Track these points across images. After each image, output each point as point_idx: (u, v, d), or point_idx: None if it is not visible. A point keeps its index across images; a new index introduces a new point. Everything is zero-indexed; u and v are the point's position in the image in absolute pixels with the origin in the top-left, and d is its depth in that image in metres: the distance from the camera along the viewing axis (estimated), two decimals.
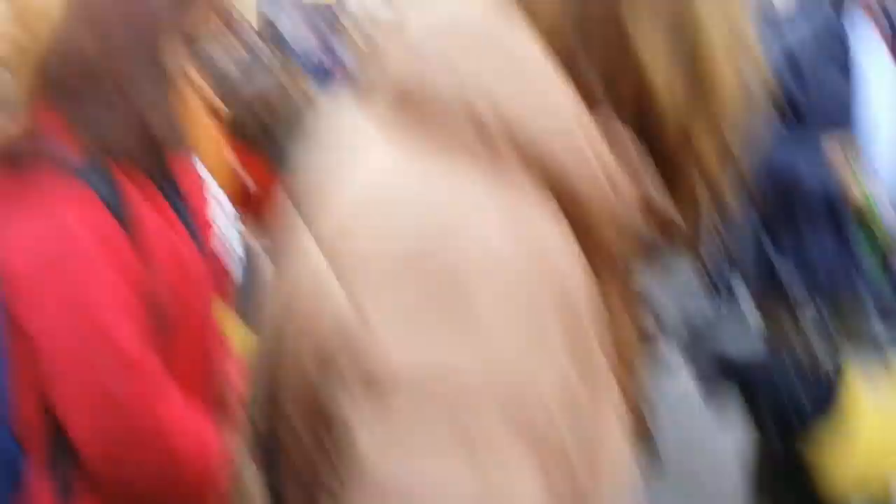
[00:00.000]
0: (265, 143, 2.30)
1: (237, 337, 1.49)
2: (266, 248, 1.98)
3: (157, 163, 1.22)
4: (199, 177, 1.42)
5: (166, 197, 1.24)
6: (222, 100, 2.15)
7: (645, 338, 0.70)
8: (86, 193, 1.12)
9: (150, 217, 1.18)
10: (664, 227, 0.63)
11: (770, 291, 2.27)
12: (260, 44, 4.16)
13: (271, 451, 0.62)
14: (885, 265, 2.19)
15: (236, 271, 1.82)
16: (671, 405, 2.89)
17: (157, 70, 1.20)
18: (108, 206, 1.13)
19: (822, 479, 2.11)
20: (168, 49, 1.21)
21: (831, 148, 2.15)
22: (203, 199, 1.38)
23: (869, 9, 2.21)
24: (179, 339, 1.21)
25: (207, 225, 1.37)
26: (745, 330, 2.31)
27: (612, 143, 0.59)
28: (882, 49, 2.22)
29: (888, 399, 2.09)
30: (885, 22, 2.22)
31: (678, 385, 2.60)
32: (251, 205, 2.16)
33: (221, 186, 1.90)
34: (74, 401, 1.12)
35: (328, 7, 8.02)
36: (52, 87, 1.15)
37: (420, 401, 0.50)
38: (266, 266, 1.87)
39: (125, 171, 1.17)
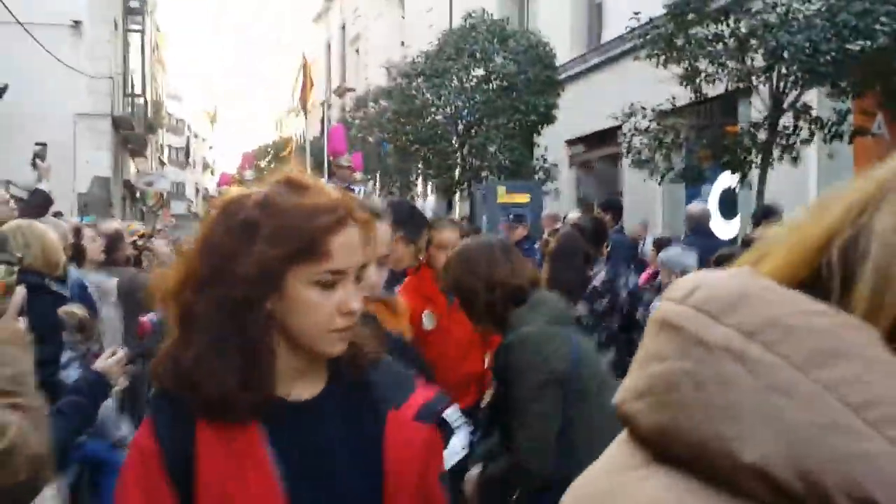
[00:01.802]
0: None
1: None
2: None
3: (254, 411, 1.38)
4: (423, 438, 1.49)
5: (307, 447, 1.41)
6: None
7: None
8: (149, 424, 1.40)
9: (214, 460, 1.35)
10: None
11: None
12: None
13: None
14: None
15: None
16: None
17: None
18: (159, 438, 1.37)
19: None
20: None
21: None
22: (414, 460, 1.47)
23: None
24: None
25: (404, 488, 1.45)
26: None
27: None
28: None
29: None
30: None
31: None
32: None
33: None
34: None
35: None
36: None
37: None
38: None
39: (212, 415, 1.37)
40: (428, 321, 3.95)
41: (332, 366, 1.46)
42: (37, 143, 6.53)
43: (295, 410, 1.41)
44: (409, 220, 3.74)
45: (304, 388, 1.44)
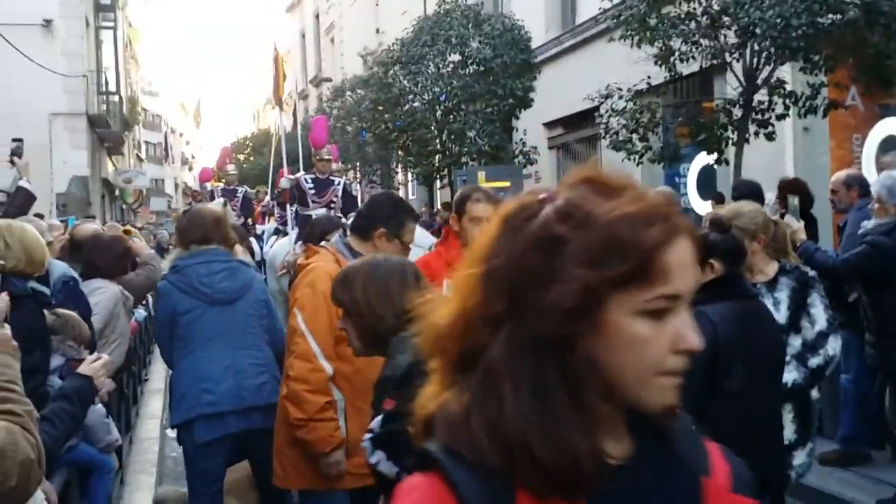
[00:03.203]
0: None
1: None
2: None
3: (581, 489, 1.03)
4: None
5: None
6: None
7: None
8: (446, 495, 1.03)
9: None
10: None
11: None
12: None
13: None
14: None
15: None
16: None
17: None
18: None
19: None
20: None
21: None
22: None
23: None
24: None
25: None
26: None
27: None
28: None
29: None
30: None
31: None
32: None
33: None
34: None
35: None
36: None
37: None
38: None
39: (549, 490, 1.02)
40: (447, 289, 4.03)
41: (631, 416, 1.11)
42: (13, 140, 6.44)
43: (614, 477, 1.07)
44: (391, 216, 3.78)
45: (611, 447, 1.09)
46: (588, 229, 1.05)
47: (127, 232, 7.97)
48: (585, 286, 1.03)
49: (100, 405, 4.16)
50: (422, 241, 7.55)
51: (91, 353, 3.91)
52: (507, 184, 13.72)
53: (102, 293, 4.99)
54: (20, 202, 5.69)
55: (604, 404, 1.07)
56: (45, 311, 3.68)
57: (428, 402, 1.11)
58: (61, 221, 8.45)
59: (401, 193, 22.62)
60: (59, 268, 4.69)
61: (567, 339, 1.04)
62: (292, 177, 9.71)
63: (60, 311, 3.98)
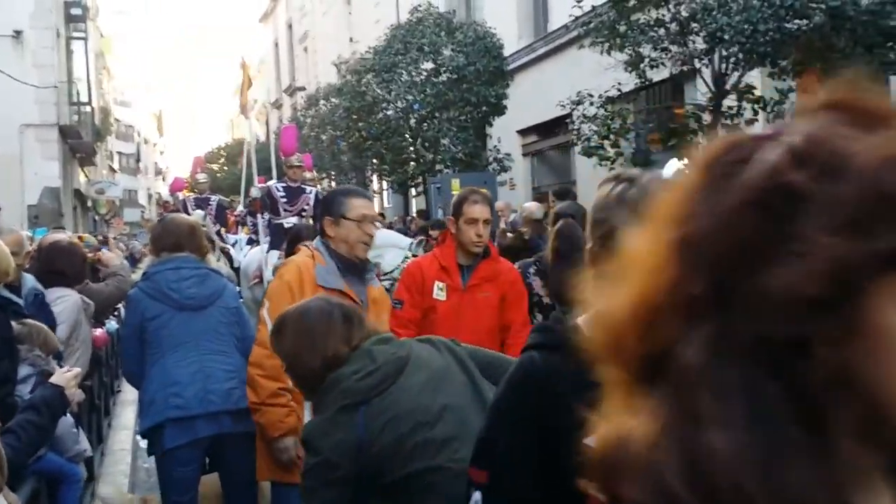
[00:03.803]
0: None
1: None
2: None
3: None
4: None
5: None
6: None
7: None
8: None
9: None
10: None
11: None
12: None
13: None
14: None
15: None
16: None
17: None
18: None
19: None
20: None
21: None
22: None
23: None
24: None
25: None
26: None
27: None
28: None
29: None
30: None
31: None
32: None
33: None
34: None
35: None
36: None
37: None
38: None
39: None
40: (438, 291, 4.15)
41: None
42: None
43: None
44: (330, 202, 3.85)
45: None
46: (842, 179, 0.68)
47: (80, 238, 7.97)
48: (838, 264, 0.67)
49: (68, 415, 4.12)
50: (400, 242, 7.58)
51: (59, 362, 3.89)
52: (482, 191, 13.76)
53: (65, 301, 4.96)
54: None
55: (856, 442, 0.69)
56: (13, 321, 3.65)
57: (609, 436, 0.75)
58: (33, 233, 8.39)
59: (376, 202, 22.63)
60: (30, 280, 4.71)
61: (805, 342, 0.68)
62: (263, 185, 9.67)
63: (28, 320, 3.95)
